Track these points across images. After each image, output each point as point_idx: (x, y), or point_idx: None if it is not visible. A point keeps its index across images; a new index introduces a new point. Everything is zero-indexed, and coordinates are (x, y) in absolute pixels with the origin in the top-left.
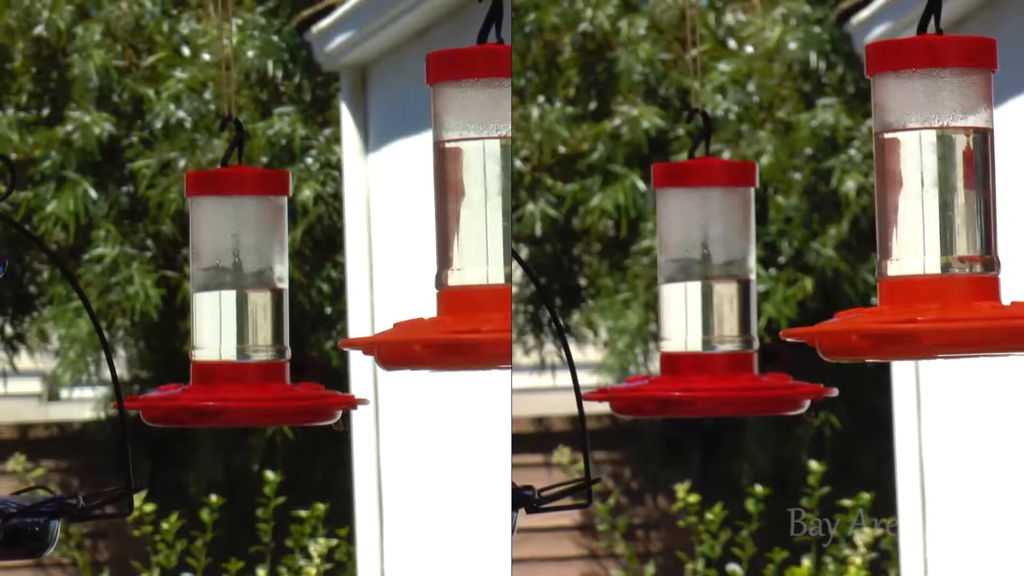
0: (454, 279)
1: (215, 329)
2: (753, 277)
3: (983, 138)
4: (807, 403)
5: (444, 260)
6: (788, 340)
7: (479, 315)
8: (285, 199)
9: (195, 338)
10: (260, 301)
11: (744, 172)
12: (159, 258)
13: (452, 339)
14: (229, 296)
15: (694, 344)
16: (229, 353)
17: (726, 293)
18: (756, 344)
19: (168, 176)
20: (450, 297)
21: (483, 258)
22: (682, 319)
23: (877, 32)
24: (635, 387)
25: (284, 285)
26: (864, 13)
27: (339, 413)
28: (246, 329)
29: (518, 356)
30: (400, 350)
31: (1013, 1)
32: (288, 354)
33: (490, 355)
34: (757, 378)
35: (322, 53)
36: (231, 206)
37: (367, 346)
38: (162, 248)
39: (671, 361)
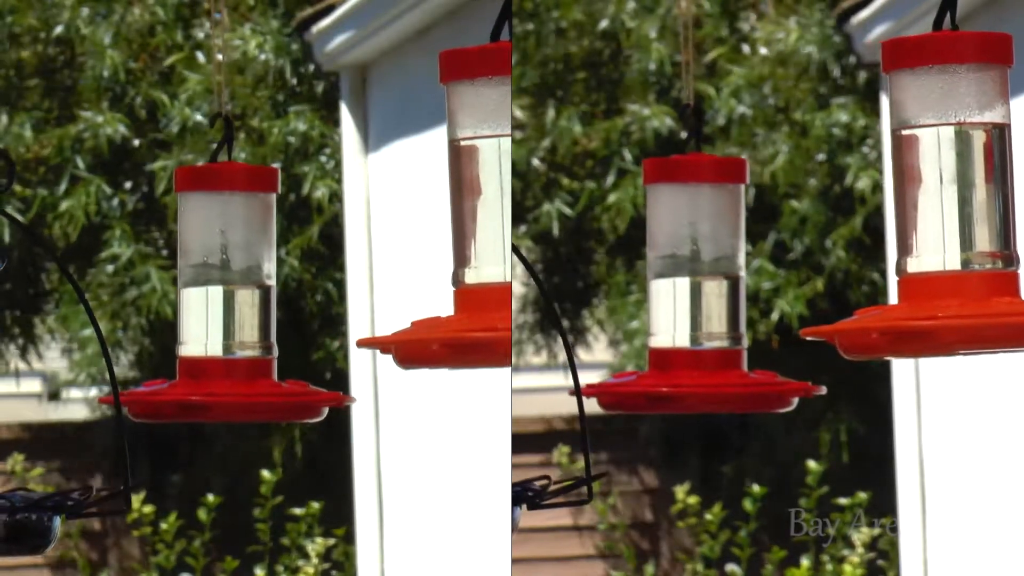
0: (471, 277)
1: (202, 325)
2: (743, 274)
3: (1000, 133)
4: (795, 401)
5: (460, 258)
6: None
7: (495, 313)
8: (274, 196)
9: (182, 333)
10: (248, 298)
11: (734, 168)
12: (172, 257)
13: (470, 338)
14: (216, 292)
15: (682, 340)
16: (215, 349)
17: (715, 290)
18: (745, 341)
19: None
20: (467, 295)
21: (500, 256)
22: (671, 315)
23: (877, 32)
24: (623, 383)
25: (272, 282)
26: (864, 13)
27: (326, 410)
28: (233, 325)
29: (527, 355)
30: (418, 349)
31: (1014, 1)
32: (275, 351)
33: (503, 353)
34: (745, 375)
35: (322, 53)
36: (220, 202)
37: (384, 345)
38: (174, 246)
39: (660, 357)
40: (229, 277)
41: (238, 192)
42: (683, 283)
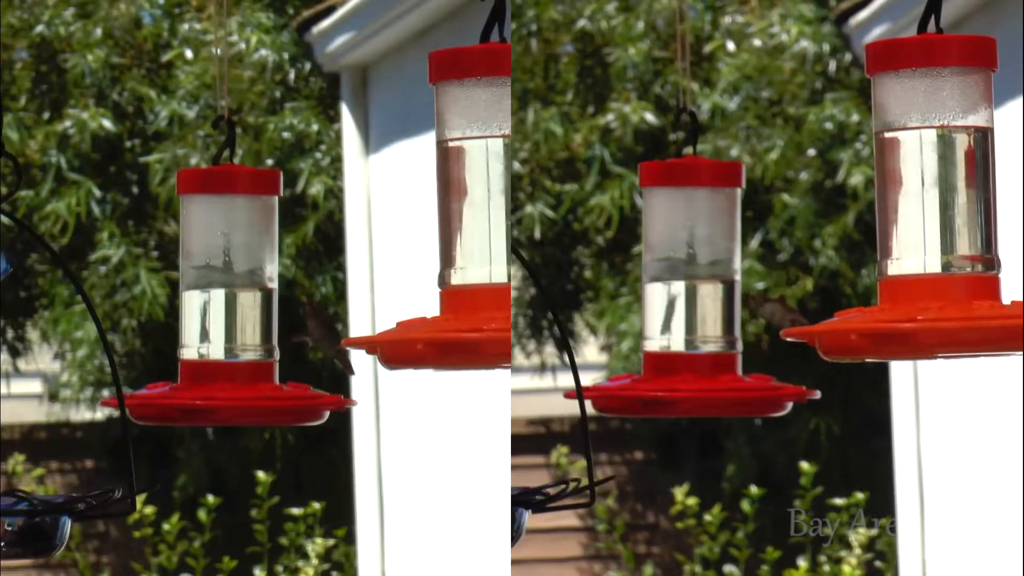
0: (456, 278)
1: (204, 328)
2: (738, 278)
3: (983, 137)
4: (789, 405)
5: (447, 259)
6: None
7: (481, 314)
8: (276, 199)
9: (184, 336)
10: (250, 300)
11: (730, 173)
12: (163, 259)
13: (453, 338)
14: (218, 295)
15: (677, 344)
16: (218, 352)
17: (710, 293)
18: (739, 345)
19: None
20: (452, 296)
21: (486, 257)
22: (666, 318)
23: (876, 33)
24: (619, 386)
25: (274, 285)
26: (863, 14)
27: (330, 411)
28: (235, 328)
29: (518, 358)
30: (402, 349)
31: (1012, 2)
32: (277, 354)
33: (491, 354)
34: (740, 379)
35: (323, 54)
36: (222, 205)
37: (369, 345)
38: (165, 248)
39: (655, 360)
40: (231, 279)
41: (240, 195)
42: (678, 286)
